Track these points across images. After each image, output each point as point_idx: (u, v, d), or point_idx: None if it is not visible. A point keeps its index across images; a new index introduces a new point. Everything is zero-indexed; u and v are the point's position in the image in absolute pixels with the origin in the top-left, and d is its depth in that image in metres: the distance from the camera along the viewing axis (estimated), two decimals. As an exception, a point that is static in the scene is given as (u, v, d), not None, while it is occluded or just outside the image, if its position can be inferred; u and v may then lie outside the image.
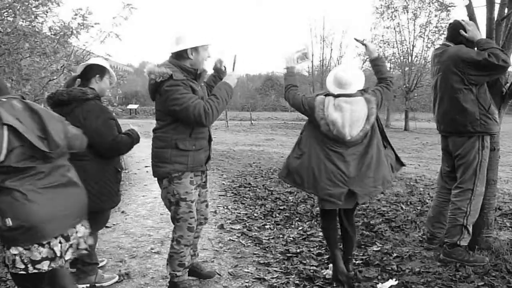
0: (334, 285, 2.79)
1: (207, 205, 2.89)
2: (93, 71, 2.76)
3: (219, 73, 2.93)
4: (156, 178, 2.66)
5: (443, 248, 3.22)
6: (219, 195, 5.79)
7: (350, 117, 2.61)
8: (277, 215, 4.63)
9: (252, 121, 27.21)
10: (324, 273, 3.00)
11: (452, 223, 3.15)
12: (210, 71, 2.97)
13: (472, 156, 3.10)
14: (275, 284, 2.83)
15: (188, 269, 2.73)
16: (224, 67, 2.94)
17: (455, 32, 3.14)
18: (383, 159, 2.76)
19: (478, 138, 3.08)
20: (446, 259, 3.13)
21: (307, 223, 4.30)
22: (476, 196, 3.12)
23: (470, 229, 3.14)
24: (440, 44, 3.31)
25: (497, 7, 3.19)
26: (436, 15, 20.53)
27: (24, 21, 4.76)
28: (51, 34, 5.03)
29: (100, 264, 3.13)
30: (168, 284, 2.74)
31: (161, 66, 2.44)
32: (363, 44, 3.02)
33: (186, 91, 2.41)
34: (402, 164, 2.96)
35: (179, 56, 2.51)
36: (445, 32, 16.79)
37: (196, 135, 2.54)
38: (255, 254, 3.44)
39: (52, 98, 2.69)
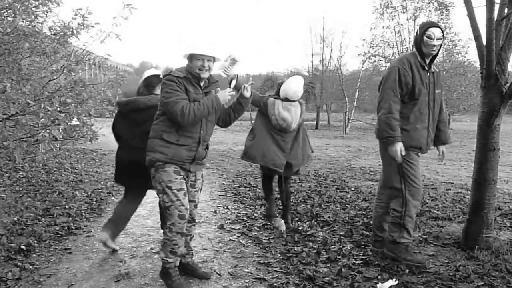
0: (334, 285, 2.80)
1: (195, 206, 2.92)
2: (157, 80, 3.33)
3: (241, 97, 2.90)
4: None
5: (386, 242, 3.25)
6: (219, 195, 5.79)
7: (295, 115, 3.89)
8: (277, 215, 4.63)
9: (252, 121, 27.23)
10: (274, 224, 4.08)
11: (392, 221, 3.21)
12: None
13: (388, 159, 3.14)
14: (275, 284, 2.82)
15: (180, 258, 2.84)
16: (225, 69, 3.03)
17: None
18: (306, 140, 4.13)
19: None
20: (388, 253, 3.20)
21: (307, 223, 4.30)
22: (408, 193, 3.11)
23: (411, 231, 3.16)
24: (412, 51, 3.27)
25: (497, 7, 3.19)
26: (435, 15, 20.49)
27: (24, 21, 4.77)
28: (51, 34, 5.03)
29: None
30: (161, 270, 2.82)
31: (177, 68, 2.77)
32: (317, 69, 4.73)
33: (178, 88, 2.65)
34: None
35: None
36: (445, 32, 16.69)
37: (182, 132, 2.71)
38: (255, 254, 3.44)
39: (128, 105, 3.33)
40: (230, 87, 2.86)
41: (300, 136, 4.05)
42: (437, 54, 3.10)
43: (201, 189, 2.98)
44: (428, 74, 3.12)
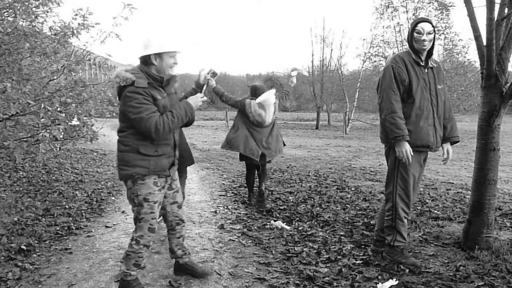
0: (335, 285, 2.80)
1: (179, 207, 2.87)
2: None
3: (199, 87, 2.89)
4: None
5: (386, 245, 3.24)
6: (219, 195, 5.79)
7: (269, 112, 4.74)
8: (277, 215, 4.64)
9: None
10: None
11: (385, 224, 3.20)
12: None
13: (390, 160, 3.14)
14: (275, 284, 2.83)
15: (142, 270, 2.74)
16: (208, 80, 2.96)
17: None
18: (279, 135, 5.03)
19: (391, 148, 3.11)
20: (386, 256, 3.20)
21: (307, 223, 4.30)
22: (398, 197, 3.09)
23: (404, 234, 3.13)
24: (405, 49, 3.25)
25: (497, 7, 3.19)
26: (435, 15, 20.48)
27: (24, 21, 4.77)
28: (51, 34, 5.03)
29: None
30: (120, 283, 2.69)
31: (129, 71, 2.49)
32: (292, 82, 5.17)
33: (145, 101, 2.45)
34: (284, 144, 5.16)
35: (145, 62, 2.58)
36: (445, 32, 16.42)
37: (158, 142, 2.57)
38: (255, 254, 3.44)
39: None
40: (201, 92, 2.84)
41: (274, 131, 4.94)
42: (432, 49, 3.06)
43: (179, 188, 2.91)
44: (427, 70, 3.08)
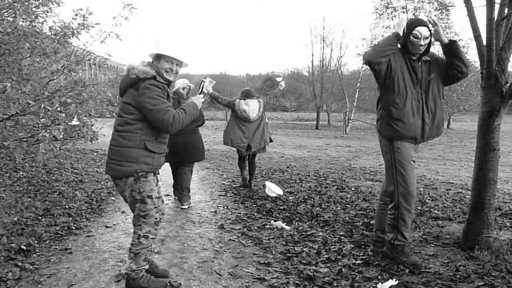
0: (335, 285, 2.80)
1: (162, 201, 2.91)
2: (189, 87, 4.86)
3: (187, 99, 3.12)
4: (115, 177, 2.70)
5: (386, 242, 3.24)
6: (219, 195, 5.79)
7: (252, 108, 5.78)
8: (277, 215, 4.64)
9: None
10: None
11: (388, 222, 3.20)
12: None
13: (386, 158, 3.16)
14: (275, 284, 2.82)
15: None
16: (206, 87, 3.38)
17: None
18: (265, 130, 5.96)
19: (389, 140, 3.11)
20: (387, 253, 3.20)
21: (307, 223, 4.30)
22: (401, 197, 3.07)
23: (405, 233, 3.12)
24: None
25: (497, 7, 3.19)
26: (435, 15, 20.47)
27: (24, 21, 4.78)
28: (51, 34, 5.04)
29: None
30: (129, 282, 2.70)
31: (146, 66, 2.64)
32: (281, 85, 6.24)
33: (163, 95, 2.60)
34: (271, 140, 6.17)
35: (151, 62, 2.75)
36: (445, 32, 16.60)
37: (160, 139, 2.72)
38: (255, 254, 3.44)
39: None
40: (200, 92, 3.06)
41: (261, 126, 5.89)
42: (427, 51, 3.05)
43: None
44: (420, 63, 3.06)
